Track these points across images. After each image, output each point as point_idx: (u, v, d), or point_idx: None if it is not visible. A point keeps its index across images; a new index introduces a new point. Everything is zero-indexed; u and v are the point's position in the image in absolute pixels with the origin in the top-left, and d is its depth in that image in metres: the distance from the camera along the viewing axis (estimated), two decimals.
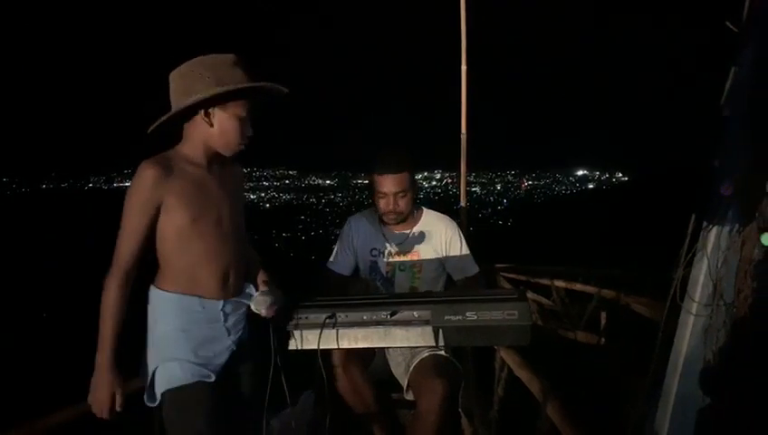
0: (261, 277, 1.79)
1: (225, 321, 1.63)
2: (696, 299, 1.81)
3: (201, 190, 1.58)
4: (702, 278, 1.80)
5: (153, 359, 1.58)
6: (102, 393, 1.50)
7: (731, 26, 1.81)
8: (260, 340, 1.79)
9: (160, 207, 1.52)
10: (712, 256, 1.76)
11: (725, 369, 1.80)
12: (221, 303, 1.62)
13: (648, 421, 2.01)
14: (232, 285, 1.66)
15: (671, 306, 1.87)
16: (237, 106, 1.59)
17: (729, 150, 1.75)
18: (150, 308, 1.60)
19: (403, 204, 2.32)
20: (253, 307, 1.71)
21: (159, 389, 1.56)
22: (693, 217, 1.81)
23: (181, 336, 1.57)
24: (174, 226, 1.53)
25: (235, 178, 1.73)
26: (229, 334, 1.64)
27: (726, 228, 1.74)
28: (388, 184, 2.28)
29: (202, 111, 1.57)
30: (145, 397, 1.58)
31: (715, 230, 1.76)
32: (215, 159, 1.65)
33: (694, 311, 1.80)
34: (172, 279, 1.58)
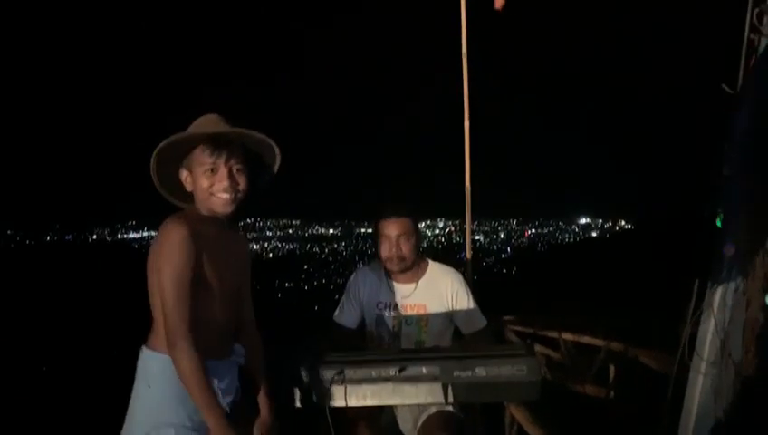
0: (263, 407, 1.77)
1: (220, 382, 1.59)
2: (705, 357, 1.81)
3: (211, 252, 1.56)
4: (709, 337, 1.81)
5: (142, 425, 1.53)
6: None
7: (727, 89, 1.87)
8: (255, 401, 1.76)
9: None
10: (718, 315, 1.77)
11: (737, 428, 1.78)
12: (215, 364, 1.58)
13: None
14: (225, 347, 1.64)
15: (680, 364, 1.87)
16: (201, 161, 1.56)
17: (730, 210, 1.78)
18: (141, 370, 1.56)
19: (406, 249, 2.33)
20: None
21: None
22: (696, 281, 1.83)
23: (176, 402, 1.52)
24: None
25: (238, 245, 1.71)
26: (223, 396, 1.59)
27: (731, 287, 1.76)
28: (391, 227, 2.32)
29: (185, 174, 1.60)
30: None
31: (720, 289, 1.78)
32: (220, 221, 1.62)
33: (702, 370, 1.80)
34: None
